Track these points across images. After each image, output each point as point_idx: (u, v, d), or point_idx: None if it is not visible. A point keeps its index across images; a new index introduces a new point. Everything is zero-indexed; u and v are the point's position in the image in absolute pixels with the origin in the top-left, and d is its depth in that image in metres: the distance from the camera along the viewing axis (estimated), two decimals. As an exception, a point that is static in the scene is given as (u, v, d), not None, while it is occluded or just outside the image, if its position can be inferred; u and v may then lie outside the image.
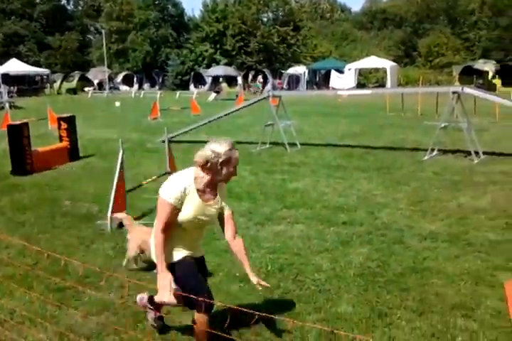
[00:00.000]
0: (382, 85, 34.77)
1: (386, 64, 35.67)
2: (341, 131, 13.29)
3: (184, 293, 2.80)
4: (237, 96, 26.32)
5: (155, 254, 2.84)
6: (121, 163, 5.60)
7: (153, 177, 6.69)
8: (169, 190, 2.80)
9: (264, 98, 11.21)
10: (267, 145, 10.77)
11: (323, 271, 4.21)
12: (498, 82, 30.78)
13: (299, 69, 38.19)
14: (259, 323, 3.23)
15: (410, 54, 46.47)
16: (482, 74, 31.84)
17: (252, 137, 11.62)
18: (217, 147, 2.76)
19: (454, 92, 9.36)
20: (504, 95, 15.00)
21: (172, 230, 2.85)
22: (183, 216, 2.84)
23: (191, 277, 2.88)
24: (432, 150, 9.40)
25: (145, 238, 3.81)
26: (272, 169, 8.61)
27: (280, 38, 43.56)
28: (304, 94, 25.12)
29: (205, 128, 12.14)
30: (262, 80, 36.06)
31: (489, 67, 32.29)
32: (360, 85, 35.12)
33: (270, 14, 47.92)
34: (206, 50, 43.36)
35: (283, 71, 39.60)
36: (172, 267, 2.87)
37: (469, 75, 31.24)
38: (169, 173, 6.74)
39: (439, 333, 3.22)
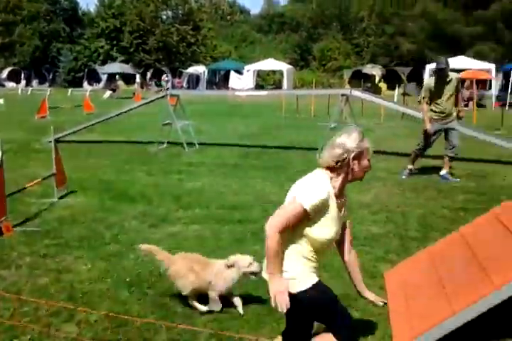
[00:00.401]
0: (279, 87, 35.85)
1: (283, 66, 36.79)
2: (239, 131, 13.46)
3: (327, 316, 2.56)
4: (134, 94, 25.61)
5: (267, 255, 2.35)
6: (0, 165, 5.16)
7: (38, 180, 6.26)
8: (310, 196, 2.36)
9: (162, 97, 11.01)
10: (165, 145, 10.58)
11: (216, 271, 4.20)
12: (383, 85, 33.11)
13: (199, 69, 38.12)
14: (150, 329, 3.15)
15: (305, 57, 48.36)
16: (370, 78, 34.06)
17: (149, 136, 11.34)
18: (346, 140, 2.41)
19: (343, 95, 9.91)
20: (389, 98, 16.23)
21: (306, 247, 2.47)
22: (327, 232, 2.46)
23: (335, 303, 2.58)
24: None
25: (191, 265, 3.54)
26: (169, 169, 8.48)
27: (180, 36, 43.14)
28: (202, 93, 25.07)
29: (99, 126, 11.65)
30: (167, 79, 35.37)
31: (376, 71, 34.63)
32: (258, 86, 35.87)
33: (169, 12, 47.29)
34: (102, 47, 41.68)
35: (182, 70, 39.25)
36: (303, 294, 2.44)
37: (359, 79, 33.29)
38: (55, 175, 6.35)
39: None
